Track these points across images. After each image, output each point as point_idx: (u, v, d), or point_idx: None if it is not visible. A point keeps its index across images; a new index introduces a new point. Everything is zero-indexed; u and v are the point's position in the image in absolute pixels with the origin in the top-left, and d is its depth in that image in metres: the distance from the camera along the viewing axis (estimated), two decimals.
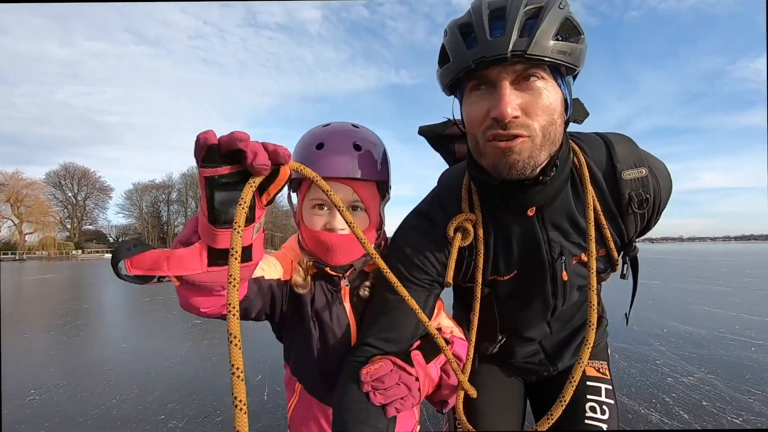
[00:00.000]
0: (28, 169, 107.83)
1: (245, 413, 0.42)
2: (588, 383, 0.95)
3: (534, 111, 0.64)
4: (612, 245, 0.81)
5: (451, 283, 0.81)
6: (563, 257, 0.80)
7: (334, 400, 0.77)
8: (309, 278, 0.84)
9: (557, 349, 0.99)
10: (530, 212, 0.77)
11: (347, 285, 0.87)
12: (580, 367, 0.71)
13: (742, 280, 9.77)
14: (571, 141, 0.79)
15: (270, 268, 0.81)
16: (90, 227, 67.64)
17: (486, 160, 0.70)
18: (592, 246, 0.75)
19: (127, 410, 2.73)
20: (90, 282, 13.21)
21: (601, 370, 0.99)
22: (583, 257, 0.81)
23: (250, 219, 0.54)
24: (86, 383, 3.25)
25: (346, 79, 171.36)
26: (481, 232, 0.80)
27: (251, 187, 0.49)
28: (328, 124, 0.84)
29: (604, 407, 0.91)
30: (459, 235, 0.78)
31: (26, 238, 53.80)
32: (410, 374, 0.74)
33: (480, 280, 0.82)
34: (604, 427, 0.89)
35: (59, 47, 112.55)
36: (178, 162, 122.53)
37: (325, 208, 0.80)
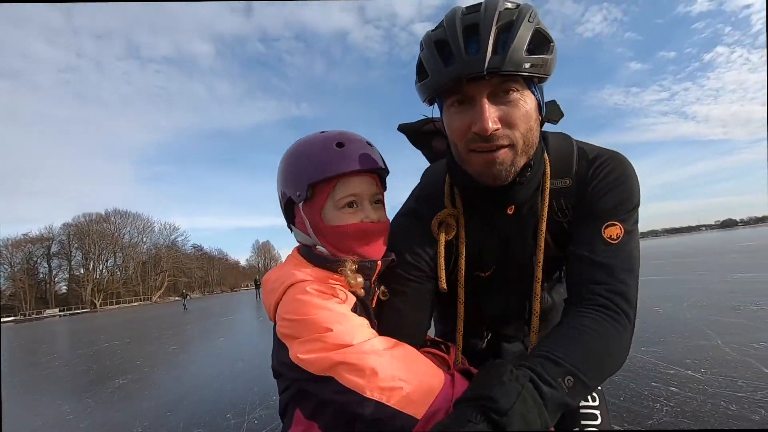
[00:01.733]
0: None
1: None
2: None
3: (513, 121, 0.67)
4: (550, 243, 0.83)
5: (446, 287, 0.81)
6: (542, 252, 0.81)
7: None
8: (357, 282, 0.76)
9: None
10: (510, 210, 0.82)
11: (377, 289, 0.83)
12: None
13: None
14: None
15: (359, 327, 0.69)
16: None
17: (470, 169, 0.74)
18: (542, 239, 0.80)
19: None
20: None
21: None
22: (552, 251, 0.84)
23: None
24: None
25: (244, 113, 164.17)
26: (463, 227, 0.83)
27: None
28: (323, 132, 0.81)
29: (594, 394, 0.88)
30: (443, 231, 0.81)
31: None
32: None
33: (462, 279, 0.84)
34: (597, 412, 0.87)
35: None
36: (45, 209, 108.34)
37: (355, 206, 0.78)
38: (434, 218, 0.82)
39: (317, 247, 0.80)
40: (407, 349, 0.69)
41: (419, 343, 0.82)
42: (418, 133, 1.09)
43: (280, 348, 0.70)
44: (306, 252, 0.81)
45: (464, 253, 0.83)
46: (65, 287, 65.36)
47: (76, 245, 64.99)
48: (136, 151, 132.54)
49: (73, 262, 65.26)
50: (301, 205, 0.79)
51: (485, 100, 0.66)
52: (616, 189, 0.77)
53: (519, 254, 0.85)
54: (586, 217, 0.79)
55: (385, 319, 0.81)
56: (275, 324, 0.73)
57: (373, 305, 0.81)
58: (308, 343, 0.64)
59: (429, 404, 0.61)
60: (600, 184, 0.78)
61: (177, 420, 3.06)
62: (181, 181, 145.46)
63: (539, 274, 0.80)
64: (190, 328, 10.88)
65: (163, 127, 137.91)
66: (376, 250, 0.80)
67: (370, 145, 0.82)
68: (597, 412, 0.87)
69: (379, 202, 0.83)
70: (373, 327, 0.74)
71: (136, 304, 61.67)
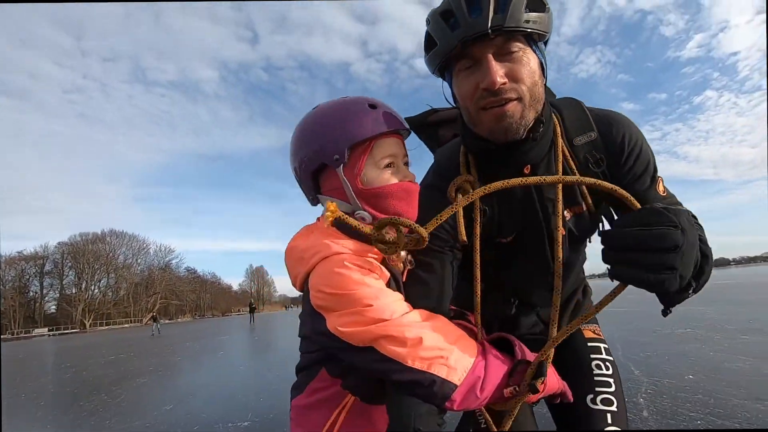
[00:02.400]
0: None
1: None
2: (589, 344, 1.02)
3: (519, 76, 0.73)
4: (590, 200, 0.86)
5: (466, 239, 0.81)
6: (561, 214, 0.82)
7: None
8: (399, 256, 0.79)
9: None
10: (526, 170, 0.85)
11: (408, 265, 0.84)
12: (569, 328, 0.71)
13: None
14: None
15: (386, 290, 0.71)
16: None
17: (481, 128, 0.78)
18: (559, 207, 0.81)
19: None
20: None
21: (596, 332, 1.07)
22: (576, 210, 0.87)
23: None
24: None
25: (245, 137, 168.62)
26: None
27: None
28: (343, 98, 0.81)
29: (607, 363, 0.97)
30: (460, 195, 0.80)
31: None
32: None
33: (478, 245, 0.84)
34: (611, 380, 0.93)
35: None
36: (43, 226, 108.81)
37: (393, 166, 0.79)
38: (450, 184, 0.81)
39: (357, 213, 0.77)
40: (443, 321, 0.72)
41: (444, 312, 0.82)
42: (423, 125, 1.12)
43: (315, 316, 0.69)
44: (339, 223, 0.67)
45: (479, 218, 0.84)
46: (54, 307, 65.21)
47: (69, 264, 65.43)
48: (136, 172, 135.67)
49: (65, 282, 65.51)
50: (341, 168, 0.75)
51: (490, 56, 0.72)
52: (643, 148, 0.85)
53: (539, 218, 0.86)
54: (632, 179, 0.84)
55: (410, 289, 0.82)
56: (306, 292, 0.72)
57: (404, 279, 0.83)
58: (348, 315, 0.65)
59: (467, 371, 0.65)
60: (630, 145, 0.83)
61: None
62: (178, 202, 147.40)
63: (559, 236, 0.80)
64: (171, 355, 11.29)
65: (164, 148, 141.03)
66: (415, 211, 0.81)
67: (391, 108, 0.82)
68: (611, 380, 0.94)
69: (407, 164, 0.84)
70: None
71: (126, 325, 61.44)
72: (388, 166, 0.78)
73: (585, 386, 0.92)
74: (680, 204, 0.87)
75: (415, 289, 0.82)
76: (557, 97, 0.96)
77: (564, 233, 0.84)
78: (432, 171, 0.96)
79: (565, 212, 0.86)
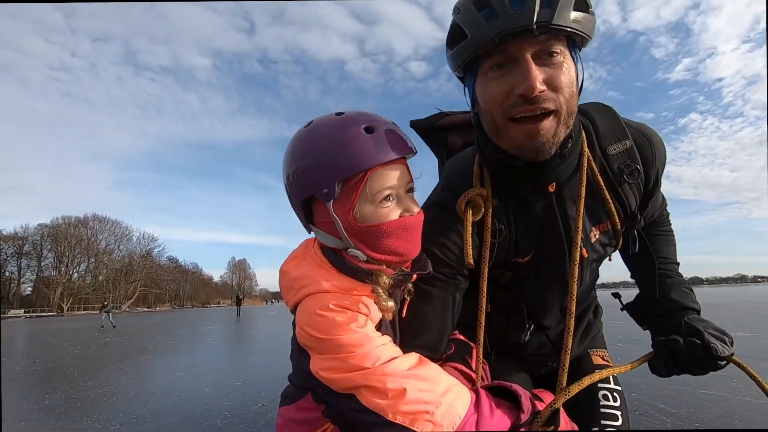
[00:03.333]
0: None
1: None
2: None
3: (558, 84, 0.64)
4: (616, 218, 0.81)
5: (472, 263, 0.75)
6: (581, 234, 0.77)
7: None
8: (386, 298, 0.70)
9: (562, 337, 0.93)
10: (551, 188, 0.78)
11: (407, 296, 0.79)
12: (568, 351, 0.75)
13: None
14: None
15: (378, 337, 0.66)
16: None
17: (507, 141, 0.70)
18: (579, 221, 0.76)
19: None
20: None
21: (605, 358, 1.02)
22: (602, 228, 0.84)
23: None
24: None
25: (234, 127, 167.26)
26: (490, 208, 0.79)
27: None
28: (340, 113, 0.71)
29: (615, 394, 0.92)
30: (470, 210, 0.76)
31: None
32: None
33: (486, 272, 0.78)
34: (618, 413, 0.89)
35: None
36: (16, 206, 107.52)
37: (392, 199, 0.69)
38: (461, 197, 0.76)
39: (350, 251, 0.70)
40: (432, 369, 0.65)
41: (441, 349, 0.79)
42: (431, 129, 1.04)
43: (301, 353, 0.67)
44: (331, 255, 0.71)
45: (489, 241, 0.78)
46: (30, 288, 64.51)
47: (49, 247, 64.89)
48: (119, 155, 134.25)
49: (43, 264, 64.92)
50: (331, 203, 0.68)
51: (530, 58, 0.63)
52: (665, 158, 0.84)
53: (561, 236, 0.80)
54: (653, 193, 0.86)
55: (409, 324, 0.77)
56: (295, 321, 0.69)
57: (404, 315, 0.77)
58: (330, 360, 0.62)
59: (455, 427, 0.59)
60: (660, 159, 0.83)
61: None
62: (162, 189, 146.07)
63: (576, 255, 0.75)
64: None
65: (150, 133, 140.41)
66: (416, 247, 0.73)
67: (395, 125, 0.72)
68: (618, 413, 0.89)
69: (411, 191, 0.74)
70: (395, 341, 0.70)
71: None
72: (386, 199, 0.68)
73: (591, 419, 0.88)
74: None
75: (414, 324, 0.77)
76: (587, 104, 0.88)
77: (586, 255, 0.81)
78: (441, 185, 0.89)
79: (593, 230, 0.82)
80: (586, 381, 0.69)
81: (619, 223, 0.82)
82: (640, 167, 0.80)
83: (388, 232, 0.69)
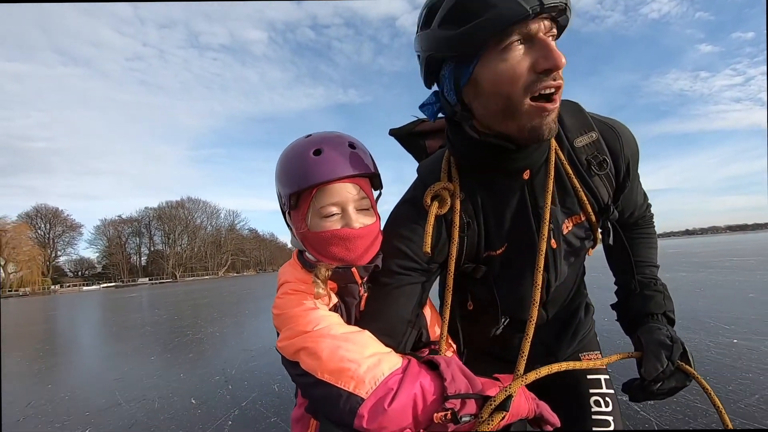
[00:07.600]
0: None
1: None
2: (588, 376, 0.95)
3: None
4: (589, 209, 0.81)
5: (430, 252, 0.76)
6: (551, 224, 0.78)
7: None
8: (328, 289, 0.77)
9: (554, 338, 0.96)
10: (526, 175, 0.79)
11: (365, 292, 0.83)
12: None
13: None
14: None
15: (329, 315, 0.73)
16: (61, 262, 71.00)
17: (519, 122, 0.67)
18: (547, 212, 0.76)
19: None
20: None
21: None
22: (575, 220, 0.83)
23: None
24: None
25: (292, 98, 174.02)
26: (458, 203, 0.80)
27: None
28: (308, 136, 0.80)
29: (607, 398, 0.91)
30: (436, 203, 0.77)
31: (11, 277, 56.27)
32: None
33: (452, 267, 0.80)
34: (611, 419, 0.88)
35: None
36: (108, 187, 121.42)
37: (336, 215, 0.76)
38: (426, 191, 0.78)
39: (305, 253, 0.81)
40: (366, 336, 0.69)
41: (399, 339, 0.80)
42: (410, 135, 1.07)
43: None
44: (299, 255, 0.82)
45: (456, 237, 0.79)
46: (144, 261, 79.42)
47: (156, 226, 78.69)
48: (193, 134, 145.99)
49: (153, 240, 79.28)
50: (288, 213, 0.81)
51: (546, 35, 0.63)
52: (636, 149, 0.84)
53: (532, 228, 0.80)
54: (628, 185, 0.85)
55: (363, 310, 0.80)
56: None
57: (362, 308, 0.82)
58: (283, 332, 0.71)
59: (377, 383, 0.60)
60: (631, 149, 0.83)
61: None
62: (232, 163, 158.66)
63: (543, 246, 0.75)
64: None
65: (217, 112, 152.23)
66: (360, 255, 0.77)
67: (353, 147, 0.78)
68: (610, 418, 0.88)
69: (367, 208, 0.80)
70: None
71: (206, 277, 73.56)
72: (330, 212, 0.75)
73: (581, 425, 0.88)
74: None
75: (367, 311, 0.81)
76: None
77: (555, 246, 0.81)
78: (413, 184, 0.89)
79: (566, 222, 0.83)
80: (544, 371, 0.69)
81: (593, 215, 0.83)
82: (608, 158, 0.80)
83: (327, 240, 0.76)
